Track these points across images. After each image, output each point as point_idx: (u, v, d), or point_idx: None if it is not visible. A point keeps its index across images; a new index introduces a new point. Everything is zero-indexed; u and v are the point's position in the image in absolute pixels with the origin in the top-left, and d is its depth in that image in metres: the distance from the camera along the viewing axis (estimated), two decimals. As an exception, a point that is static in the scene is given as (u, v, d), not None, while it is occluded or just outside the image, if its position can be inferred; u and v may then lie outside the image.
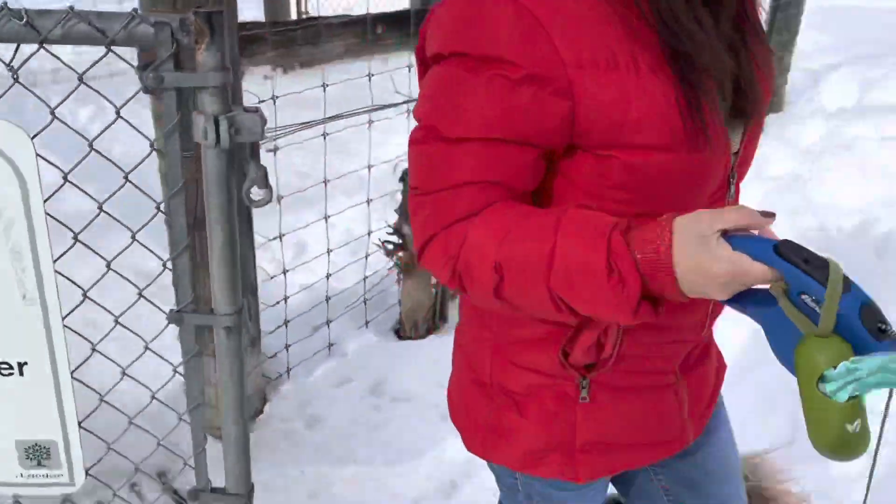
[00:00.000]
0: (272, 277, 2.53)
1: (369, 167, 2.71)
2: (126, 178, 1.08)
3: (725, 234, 0.80)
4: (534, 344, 1.06)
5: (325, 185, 2.58)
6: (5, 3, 0.97)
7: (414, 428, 2.49)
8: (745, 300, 0.82)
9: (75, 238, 1.12)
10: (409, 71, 2.63)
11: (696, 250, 0.80)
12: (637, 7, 0.89)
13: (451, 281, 0.95)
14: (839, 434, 0.75)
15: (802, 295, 0.76)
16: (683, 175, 0.94)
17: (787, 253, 0.77)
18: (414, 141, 0.96)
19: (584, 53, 0.87)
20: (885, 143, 3.94)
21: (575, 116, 0.89)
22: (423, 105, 0.95)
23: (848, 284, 0.75)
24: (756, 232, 0.83)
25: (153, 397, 1.32)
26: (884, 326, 0.74)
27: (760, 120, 1.05)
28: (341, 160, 3.27)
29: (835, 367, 0.73)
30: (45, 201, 1.03)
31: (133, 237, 1.15)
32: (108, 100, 1.13)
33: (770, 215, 0.84)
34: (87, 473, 1.21)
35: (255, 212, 2.65)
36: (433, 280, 2.91)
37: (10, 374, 1.10)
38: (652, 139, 0.90)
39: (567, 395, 1.07)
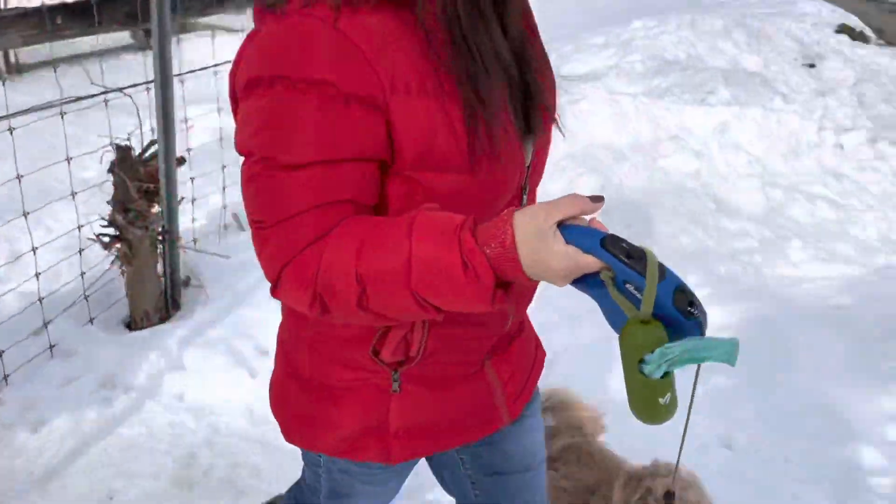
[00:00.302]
0: (-30, 282, 2.41)
1: (68, 160, 2.66)
2: None
3: (561, 224, 0.87)
4: (348, 341, 1.09)
5: (19, 180, 2.50)
6: None
7: (150, 413, 2.51)
8: (582, 282, 0.90)
9: None
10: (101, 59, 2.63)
11: (536, 246, 0.85)
12: (434, 28, 0.92)
13: (311, 305, 0.94)
14: (653, 406, 0.87)
15: (626, 283, 0.85)
16: (481, 194, 0.99)
17: (611, 247, 0.85)
18: (250, 176, 0.94)
19: (399, 79, 0.91)
20: (569, 106, 4.55)
21: (392, 138, 0.93)
22: (253, 137, 0.93)
23: (663, 273, 0.84)
24: (589, 217, 0.89)
25: None
26: (692, 309, 0.84)
27: (549, 132, 1.10)
28: (49, 159, 3.14)
29: (652, 352, 0.83)
30: None
31: None
32: None
33: (599, 199, 0.89)
34: None
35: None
36: (160, 268, 2.92)
37: None
38: (452, 162, 0.94)
39: (381, 387, 1.12)
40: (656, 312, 0.84)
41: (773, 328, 3.19)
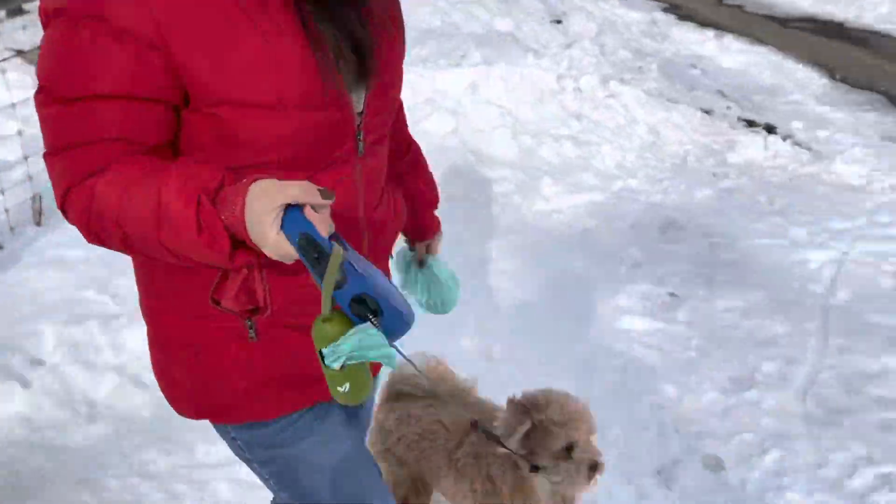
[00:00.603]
0: None
1: None
2: None
3: (290, 207, 0.88)
4: (195, 293, 1.08)
5: None
6: None
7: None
8: None
9: None
10: None
11: (254, 226, 0.88)
12: None
13: (89, 236, 0.97)
14: (335, 392, 0.97)
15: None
16: (300, 134, 0.98)
17: (302, 248, 0.88)
18: (37, 105, 0.97)
19: (181, 15, 0.92)
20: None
21: (177, 73, 0.93)
22: (40, 68, 0.96)
23: (344, 279, 0.89)
24: (328, 207, 0.90)
25: None
26: (369, 315, 0.90)
27: (387, 78, 1.11)
28: None
29: (326, 347, 0.92)
30: None
31: None
32: None
33: (329, 195, 0.90)
34: None
35: None
36: None
37: None
38: (264, 98, 0.95)
39: (242, 338, 1.12)
40: (345, 311, 0.91)
41: (529, 256, 3.59)
